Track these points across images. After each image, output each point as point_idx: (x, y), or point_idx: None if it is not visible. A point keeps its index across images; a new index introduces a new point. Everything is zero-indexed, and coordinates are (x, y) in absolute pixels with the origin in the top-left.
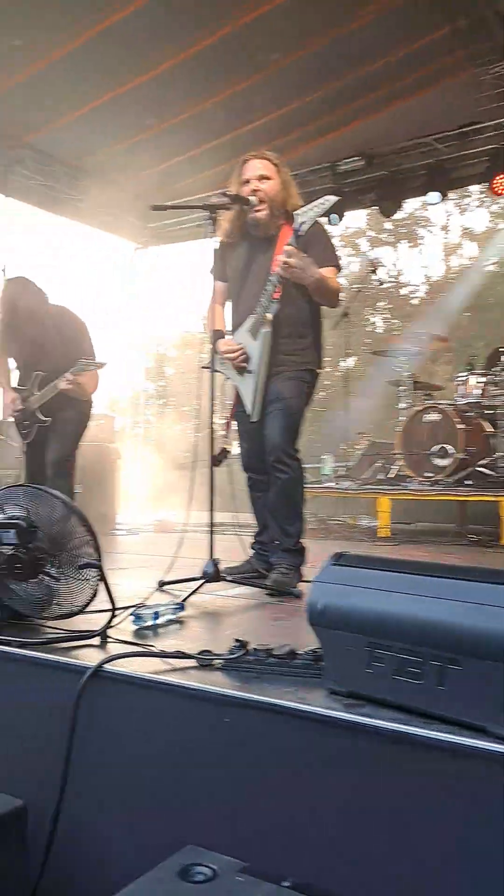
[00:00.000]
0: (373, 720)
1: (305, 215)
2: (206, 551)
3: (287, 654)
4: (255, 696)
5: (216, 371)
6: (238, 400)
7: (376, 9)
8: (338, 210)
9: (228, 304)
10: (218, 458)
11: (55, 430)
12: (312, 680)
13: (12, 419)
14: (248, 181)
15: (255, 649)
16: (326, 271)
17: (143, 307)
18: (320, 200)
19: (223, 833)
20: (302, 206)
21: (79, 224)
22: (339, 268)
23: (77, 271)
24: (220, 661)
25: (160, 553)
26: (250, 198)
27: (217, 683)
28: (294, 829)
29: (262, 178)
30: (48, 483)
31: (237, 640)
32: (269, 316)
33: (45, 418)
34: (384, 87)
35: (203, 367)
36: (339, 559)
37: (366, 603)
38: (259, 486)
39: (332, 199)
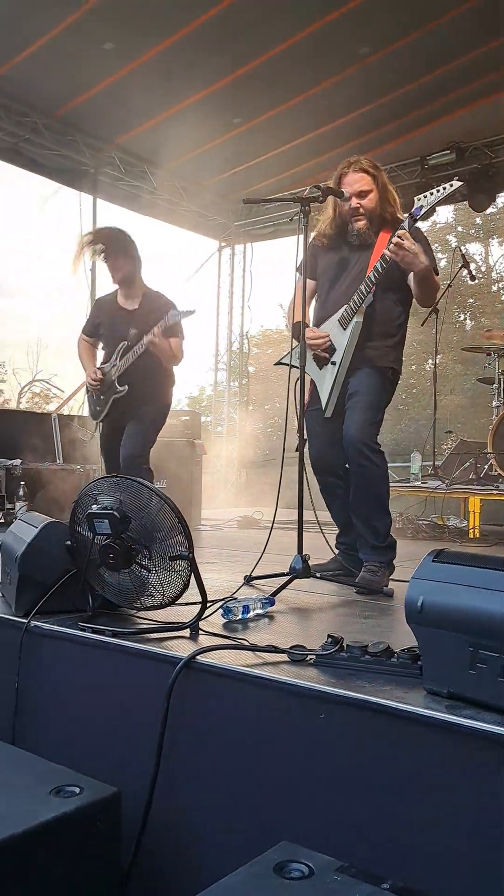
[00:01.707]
0: (476, 723)
1: (426, 199)
2: (292, 548)
3: (383, 652)
4: (352, 694)
5: (293, 367)
6: (313, 398)
7: (467, 3)
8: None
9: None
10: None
11: (132, 426)
12: (410, 679)
13: (88, 391)
14: (348, 199)
15: (349, 646)
16: None
17: (227, 304)
18: (444, 185)
19: (318, 830)
20: (419, 196)
21: (164, 224)
22: (436, 272)
23: (162, 270)
24: (313, 656)
25: (244, 548)
26: (351, 206)
27: (311, 679)
28: (391, 830)
29: (362, 193)
30: None
31: (330, 636)
32: (364, 307)
33: (121, 388)
34: (475, 81)
35: (276, 364)
36: (439, 556)
37: (469, 602)
38: (331, 488)
39: (457, 183)
